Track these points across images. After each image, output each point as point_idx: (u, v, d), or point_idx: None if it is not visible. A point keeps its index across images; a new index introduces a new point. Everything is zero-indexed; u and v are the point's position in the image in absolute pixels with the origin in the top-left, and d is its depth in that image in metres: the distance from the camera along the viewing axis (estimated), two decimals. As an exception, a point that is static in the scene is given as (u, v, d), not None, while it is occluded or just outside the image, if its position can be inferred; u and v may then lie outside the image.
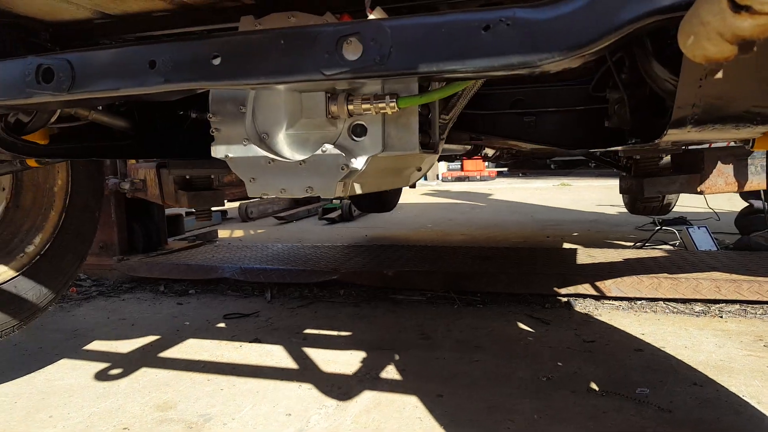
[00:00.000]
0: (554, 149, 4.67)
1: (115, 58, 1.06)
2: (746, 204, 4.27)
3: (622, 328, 2.64)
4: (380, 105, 1.30)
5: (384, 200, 5.98)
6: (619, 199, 7.53)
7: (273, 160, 1.40)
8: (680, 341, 2.44)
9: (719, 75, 0.70)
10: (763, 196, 3.86)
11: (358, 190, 1.51)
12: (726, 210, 5.84)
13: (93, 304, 3.41)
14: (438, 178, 14.11)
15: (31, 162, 1.77)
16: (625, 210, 6.21)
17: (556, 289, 3.11)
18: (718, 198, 6.48)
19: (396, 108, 1.29)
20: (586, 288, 3.07)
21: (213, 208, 8.33)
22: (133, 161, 3.60)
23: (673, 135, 1.09)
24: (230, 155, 1.44)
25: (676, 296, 2.95)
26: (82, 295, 3.59)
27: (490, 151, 4.00)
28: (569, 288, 3.09)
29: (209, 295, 3.52)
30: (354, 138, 1.38)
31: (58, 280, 2.13)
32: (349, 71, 0.91)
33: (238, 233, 6.22)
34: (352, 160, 1.37)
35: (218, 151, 1.45)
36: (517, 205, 8.19)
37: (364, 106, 1.31)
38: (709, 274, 3.06)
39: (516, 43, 0.83)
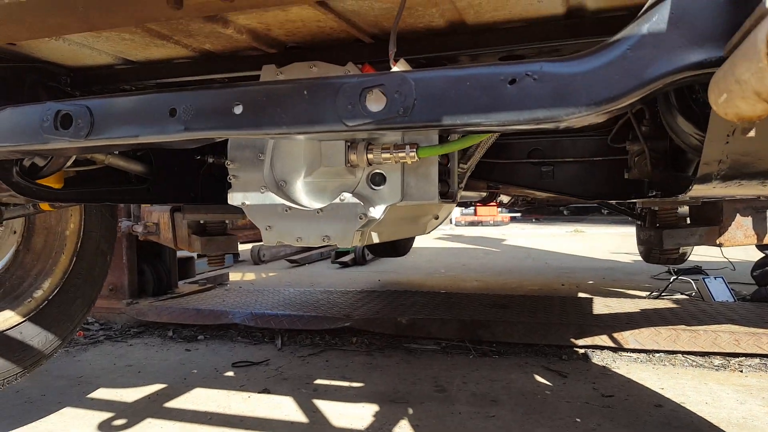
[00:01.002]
0: (569, 198, 4.65)
1: (135, 105, 1.06)
2: (762, 255, 4.18)
3: (640, 382, 2.55)
4: (400, 154, 1.29)
5: (398, 245, 5.95)
6: (633, 246, 7.45)
7: (290, 208, 1.39)
8: (700, 396, 2.35)
9: (751, 133, 0.68)
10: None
11: (375, 239, 1.49)
12: (741, 259, 5.73)
13: (100, 349, 3.36)
14: (451, 223, 14.09)
15: (45, 206, 1.77)
16: (639, 258, 6.13)
17: (573, 340, 3.02)
18: (732, 247, 6.36)
19: (416, 158, 1.28)
20: (603, 339, 2.98)
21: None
22: (147, 204, 3.62)
23: (698, 191, 1.06)
24: (247, 202, 1.42)
25: (695, 349, 2.86)
26: (88, 339, 3.55)
27: (505, 198, 3.99)
28: (586, 339, 3.01)
29: (218, 341, 3.46)
30: (373, 187, 1.37)
31: (65, 326, 2.10)
32: (372, 123, 0.90)
33: (250, 276, 6.19)
34: (371, 209, 1.35)
35: (235, 199, 1.44)
36: (531, 251, 8.12)
37: (384, 155, 1.30)
38: (727, 327, 2.98)
39: (542, 97, 0.82)
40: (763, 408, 2.22)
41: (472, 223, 13.62)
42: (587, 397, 2.38)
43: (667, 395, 2.38)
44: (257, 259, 7.31)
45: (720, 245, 2.20)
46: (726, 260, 5.53)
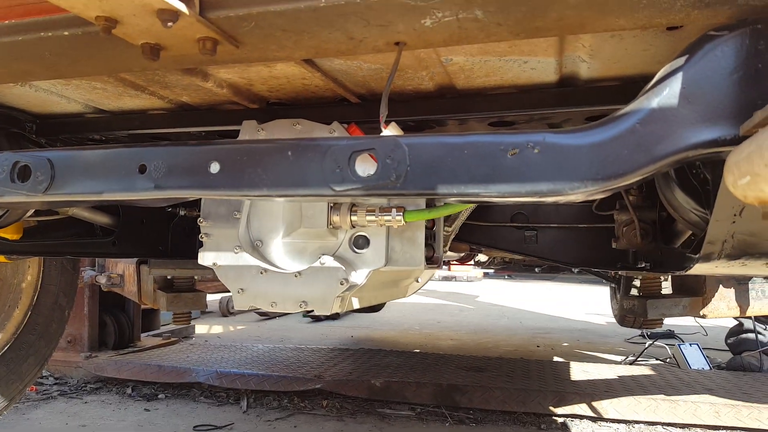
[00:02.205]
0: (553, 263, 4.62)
1: (102, 159, 0.98)
2: (736, 322, 4.19)
3: (624, 456, 2.45)
4: (386, 218, 1.22)
5: (370, 301, 5.80)
6: (605, 307, 7.45)
7: (265, 270, 1.30)
8: (686, 474, 2.27)
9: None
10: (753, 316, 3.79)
11: (356, 305, 1.40)
12: (713, 325, 5.75)
13: (52, 406, 3.13)
14: (423, 278, 13.98)
15: (0, 258, 1.64)
16: (612, 320, 6.10)
17: (551, 408, 2.92)
18: (716, 318, 6.43)
19: (402, 222, 1.22)
20: (582, 408, 2.89)
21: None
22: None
23: (699, 269, 1.01)
24: (219, 263, 1.33)
25: (675, 420, 2.79)
26: (41, 395, 3.31)
27: (483, 257, 3.95)
28: (565, 408, 2.91)
29: (180, 401, 3.26)
30: (355, 250, 1.29)
31: (14, 386, 1.93)
32: (361, 189, 0.83)
33: (217, 329, 5.96)
34: (352, 273, 1.27)
35: (206, 258, 1.35)
36: (504, 309, 8.05)
37: (369, 218, 1.23)
38: (706, 397, 2.92)
39: (545, 170, 0.77)
40: (749, 486, 2.14)
41: (445, 278, 13.54)
42: (568, 471, 2.27)
43: (649, 471, 2.28)
44: (226, 311, 7.07)
45: (704, 317, 2.17)
46: (698, 325, 5.55)
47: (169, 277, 2.35)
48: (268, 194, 0.89)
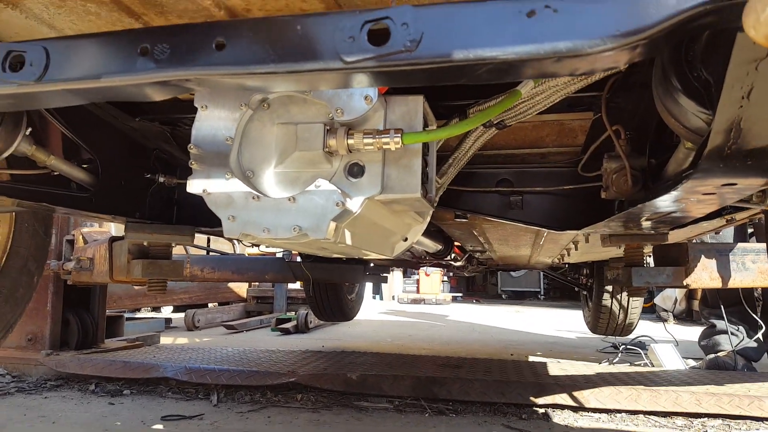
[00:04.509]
0: (520, 260, 4.64)
1: (101, 43, 0.94)
2: (708, 324, 4.26)
3: (605, 441, 2.43)
4: (384, 140, 1.20)
5: (344, 307, 5.73)
6: (575, 324, 7.51)
7: (258, 196, 1.26)
8: (670, 455, 2.25)
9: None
10: (725, 316, 3.86)
11: (348, 240, 1.37)
12: (682, 339, 5.84)
13: (8, 401, 2.96)
14: (394, 299, 13.93)
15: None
16: (583, 334, 6.15)
17: (532, 398, 2.89)
18: (670, 329, 6.55)
19: (400, 144, 1.20)
20: (563, 398, 2.87)
21: (155, 315, 7.81)
22: (82, 243, 3.35)
23: (703, 171, 1.02)
24: (209, 190, 1.29)
25: (657, 409, 2.78)
26: (-4, 392, 3.13)
27: (457, 257, 3.93)
28: (546, 398, 2.88)
29: (147, 396, 3.12)
30: (350, 178, 1.27)
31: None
32: (373, 58, 0.82)
33: (182, 340, 5.77)
34: (347, 200, 1.24)
35: (195, 186, 1.30)
36: (475, 326, 8.03)
37: (366, 140, 1.21)
38: (687, 388, 2.93)
39: (563, 28, 0.77)
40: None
41: (414, 301, 13.50)
42: (552, 452, 2.24)
43: (632, 453, 2.26)
44: (191, 325, 6.86)
45: (687, 286, 2.19)
46: (670, 335, 5.63)
47: (145, 244, 2.27)
48: (275, 70, 0.86)
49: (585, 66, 0.80)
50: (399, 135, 1.20)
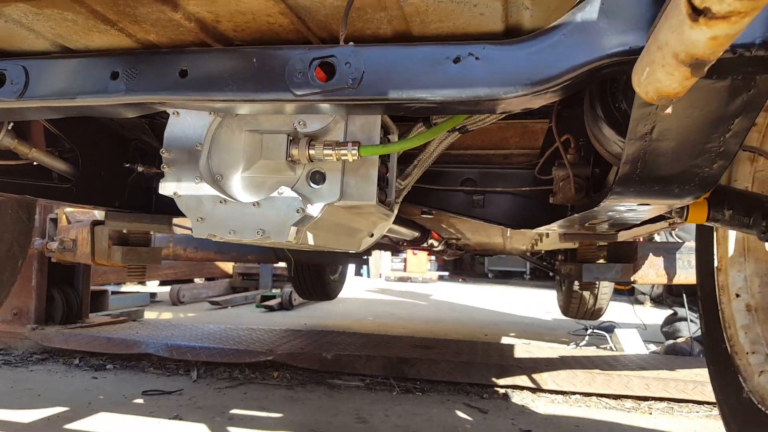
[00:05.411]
0: (495, 247, 4.77)
1: (76, 66, 1.03)
2: (671, 311, 4.44)
3: (557, 420, 2.59)
4: (342, 152, 1.30)
5: (327, 287, 5.87)
6: (552, 306, 7.71)
7: (225, 200, 1.37)
8: (615, 435, 2.43)
9: (668, 110, 0.75)
10: (686, 304, 4.04)
11: (311, 241, 1.48)
12: (652, 322, 6.05)
13: (-5, 374, 3.08)
14: (381, 277, 14.11)
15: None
16: (558, 316, 6.34)
17: (494, 379, 3.06)
18: (645, 311, 6.76)
19: (357, 155, 1.30)
20: (523, 380, 3.03)
21: (140, 289, 7.91)
22: (65, 223, 3.43)
23: (617, 196, 1.13)
24: (180, 192, 1.38)
25: (609, 392, 2.96)
26: (-17, 365, 3.25)
27: (435, 242, 4.05)
28: (507, 379, 3.05)
29: (129, 371, 3.25)
30: (312, 185, 1.37)
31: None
32: (320, 93, 0.92)
33: (167, 315, 5.90)
34: (309, 206, 1.35)
35: (167, 188, 1.40)
36: (457, 306, 8.22)
37: (326, 151, 1.31)
38: (638, 373, 3.11)
39: (484, 76, 0.87)
40: (671, 445, 2.31)
41: (401, 279, 13.70)
42: (506, 431, 2.40)
43: (582, 432, 2.43)
44: (176, 300, 6.99)
45: (634, 282, 2.33)
46: (639, 321, 5.84)
47: (124, 231, 2.36)
48: (233, 99, 0.96)
49: (503, 107, 0.91)
50: (356, 148, 1.30)
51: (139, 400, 2.66)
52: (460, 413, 2.63)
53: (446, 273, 15.63)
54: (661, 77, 0.71)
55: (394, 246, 4.68)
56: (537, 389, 2.98)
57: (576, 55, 0.83)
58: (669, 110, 0.74)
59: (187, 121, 1.42)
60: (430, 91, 0.89)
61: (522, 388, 3.01)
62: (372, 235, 1.90)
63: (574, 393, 2.97)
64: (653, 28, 0.72)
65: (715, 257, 1.61)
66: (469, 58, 0.87)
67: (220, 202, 1.37)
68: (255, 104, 0.96)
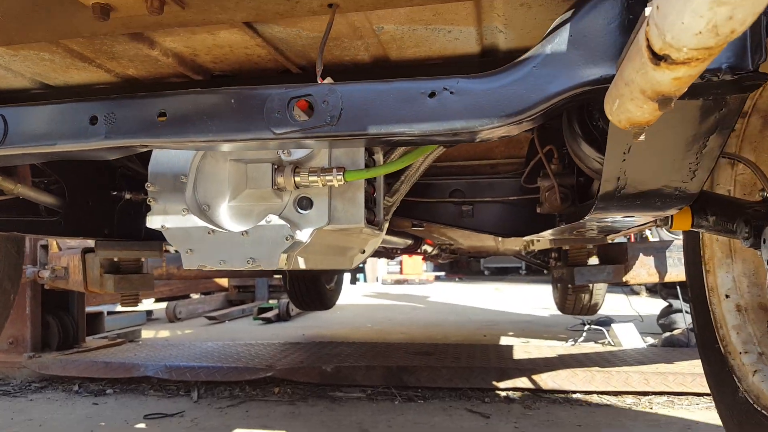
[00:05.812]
0: (489, 249, 4.79)
1: (54, 112, 1.04)
2: (666, 304, 4.47)
3: (559, 421, 2.61)
4: (327, 178, 1.31)
5: (323, 296, 5.87)
6: (549, 302, 7.74)
7: (213, 230, 1.37)
8: (615, 432, 2.44)
9: (641, 137, 0.76)
10: (680, 296, 4.07)
11: (302, 265, 1.49)
12: (649, 313, 6.09)
13: (-6, 406, 3.06)
14: (378, 281, 14.12)
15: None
16: (555, 312, 6.36)
17: (495, 383, 3.07)
18: (641, 302, 6.79)
19: (343, 181, 1.31)
20: (523, 382, 3.05)
21: (137, 308, 7.88)
22: (56, 249, 3.42)
23: (601, 211, 1.15)
24: (167, 225, 1.39)
25: (609, 389, 2.98)
26: (-19, 397, 3.23)
27: (429, 248, 4.07)
28: (508, 382, 3.06)
29: (129, 395, 3.24)
30: (299, 211, 1.38)
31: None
32: (299, 131, 0.93)
33: (164, 334, 5.88)
34: (297, 232, 1.36)
35: (154, 222, 1.41)
36: (454, 307, 8.24)
37: (312, 178, 1.32)
38: (637, 368, 3.13)
39: (459, 109, 0.88)
40: (672, 440, 2.32)
41: (398, 282, 13.71)
42: (509, 437, 2.41)
43: (584, 432, 2.45)
44: (173, 317, 6.96)
45: (626, 283, 2.35)
46: (636, 313, 5.87)
47: (115, 260, 2.36)
48: (213, 140, 0.97)
49: (481, 136, 0.92)
50: (341, 173, 1.31)
51: (142, 425, 2.66)
52: (462, 420, 2.64)
53: (443, 273, 15.65)
54: (631, 108, 0.72)
55: (387, 254, 4.69)
56: (538, 390, 3.00)
57: (548, 86, 0.84)
58: (642, 137, 0.75)
59: (171, 154, 1.43)
60: (408, 125, 0.90)
61: (523, 389, 3.02)
62: (364, 252, 1.91)
63: (574, 392, 2.98)
64: (620, 62, 0.73)
65: (703, 259, 1.62)
66: (444, 92, 0.88)
67: (209, 233, 1.38)
68: (236, 143, 0.97)
